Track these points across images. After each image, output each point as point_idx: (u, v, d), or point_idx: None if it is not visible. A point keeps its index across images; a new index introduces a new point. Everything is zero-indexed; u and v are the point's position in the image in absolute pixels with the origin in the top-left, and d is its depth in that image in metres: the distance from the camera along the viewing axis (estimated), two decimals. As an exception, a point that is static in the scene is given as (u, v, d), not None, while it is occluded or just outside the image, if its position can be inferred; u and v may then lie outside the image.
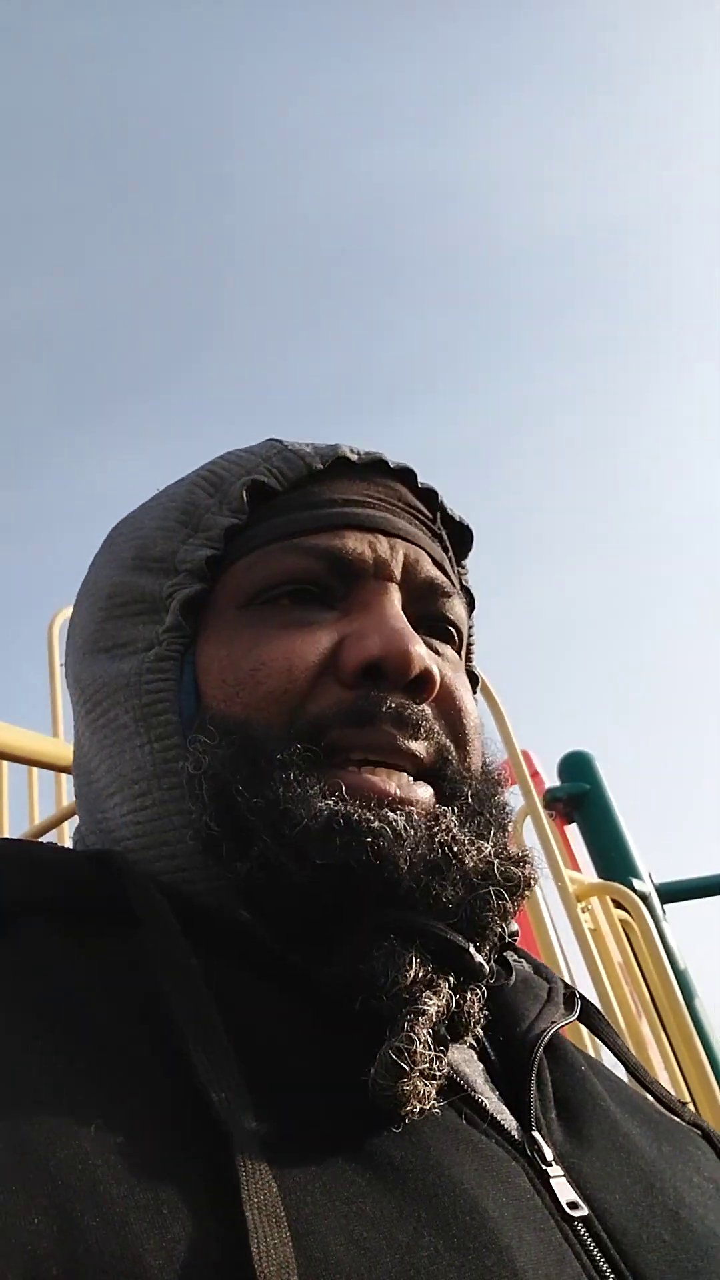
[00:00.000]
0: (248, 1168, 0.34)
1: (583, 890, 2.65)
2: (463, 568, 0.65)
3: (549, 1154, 0.44)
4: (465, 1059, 0.49)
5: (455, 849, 0.47)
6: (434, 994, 0.43)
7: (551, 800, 3.96)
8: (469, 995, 0.46)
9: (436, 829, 0.47)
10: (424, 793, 0.51)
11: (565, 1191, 0.42)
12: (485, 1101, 0.46)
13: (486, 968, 0.46)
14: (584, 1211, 0.41)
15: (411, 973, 0.43)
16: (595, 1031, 0.61)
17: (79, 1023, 0.40)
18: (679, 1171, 0.49)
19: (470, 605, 0.65)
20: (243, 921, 0.47)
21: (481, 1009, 0.46)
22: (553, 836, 2.38)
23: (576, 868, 3.64)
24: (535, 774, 3.95)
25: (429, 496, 0.62)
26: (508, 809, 0.56)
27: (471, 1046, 0.51)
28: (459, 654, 0.61)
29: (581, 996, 0.60)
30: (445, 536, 0.63)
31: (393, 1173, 0.38)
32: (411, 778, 0.51)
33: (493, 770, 0.57)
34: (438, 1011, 0.43)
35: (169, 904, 0.46)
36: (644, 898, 3.30)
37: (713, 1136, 0.56)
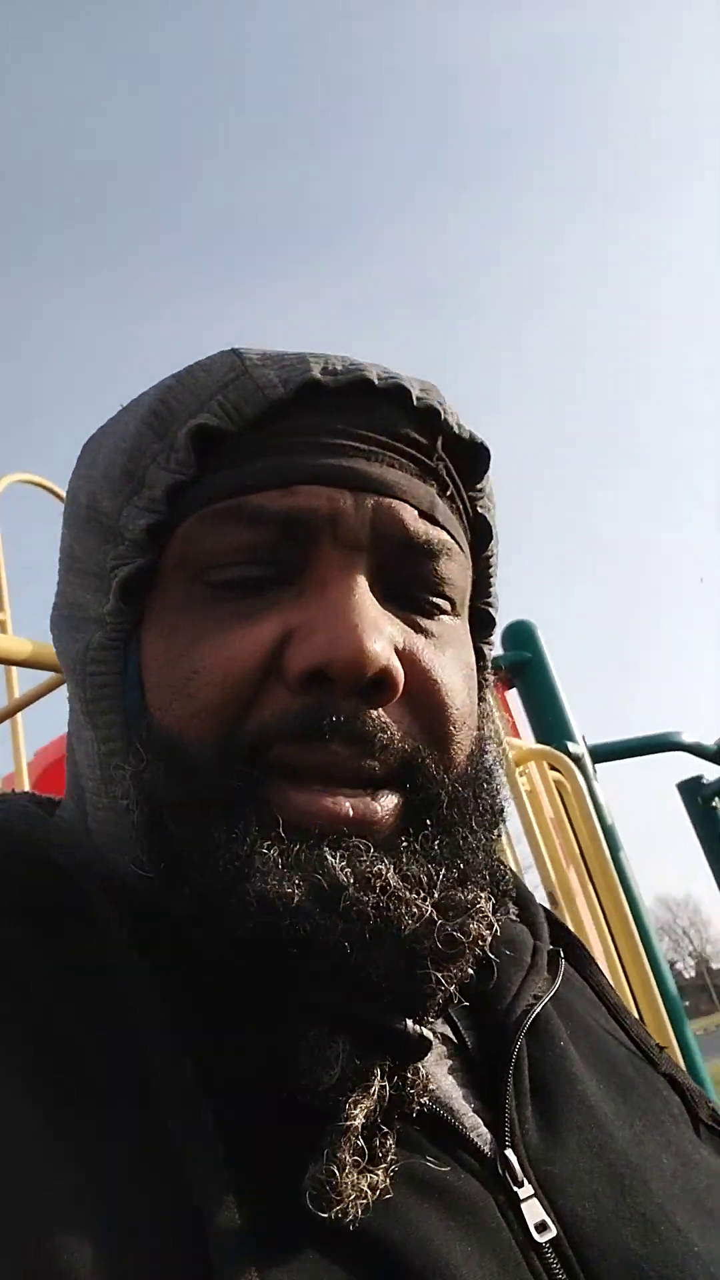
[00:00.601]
0: (219, 1243, 0.34)
1: (521, 755, 2.76)
2: (477, 492, 0.54)
3: (519, 1173, 0.43)
4: (436, 1056, 0.48)
5: (390, 911, 0.40)
6: (364, 1093, 0.39)
7: (494, 667, 3.92)
8: (409, 1074, 0.42)
9: (373, 892, 0.40)
10: (386, 805, 0.45)
11: (534, 1213, 0.42)
12: (458, 1121, 0.45)
13: (428, 1040, 0.42)
14: (552, 1233, 0.41)
15: (337, 1071, 0.39)
16: (583, 976, 0.60)
17: (46, 1040, 0.39)
18: (649, 1155, 0.48)
19: (486, 536, 0.55)
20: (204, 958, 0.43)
21: (422, 1083, 0.43)
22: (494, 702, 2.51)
23: (516, 734, 3.72)
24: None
25: (428, 416, 0.50)
26: (499, 805, 0.50)
27: (440, 1035, 0.49)
28: (454, 613, 0.51)
29: (568, 947, 0.58)
30: (448, 466, 0.51)
31: (361, 1237, 0.37)
32: (369, 793, 0.45)
33: (483, 763, 0.50)
34: (366, 1115, 0.39)
35: (132, 914, 0.44)
36: (577, 760, 3.53)
37: (682, 1087, 0.55)
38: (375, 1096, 0.40)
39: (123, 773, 0.46)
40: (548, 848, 2.62)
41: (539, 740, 3.64)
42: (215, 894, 0.41)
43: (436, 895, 0.42)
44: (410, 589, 0.49)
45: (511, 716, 3.98)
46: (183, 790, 0.43)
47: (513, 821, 2.50)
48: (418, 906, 0.41)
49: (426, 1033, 0.42)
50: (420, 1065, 0.43)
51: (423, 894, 0.42)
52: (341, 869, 0.40)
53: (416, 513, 0.48)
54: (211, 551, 0.46)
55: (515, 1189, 0.42)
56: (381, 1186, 0.38)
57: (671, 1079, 0.55)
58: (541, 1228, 0.41)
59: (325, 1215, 0.36)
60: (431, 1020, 0.44)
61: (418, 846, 0.44)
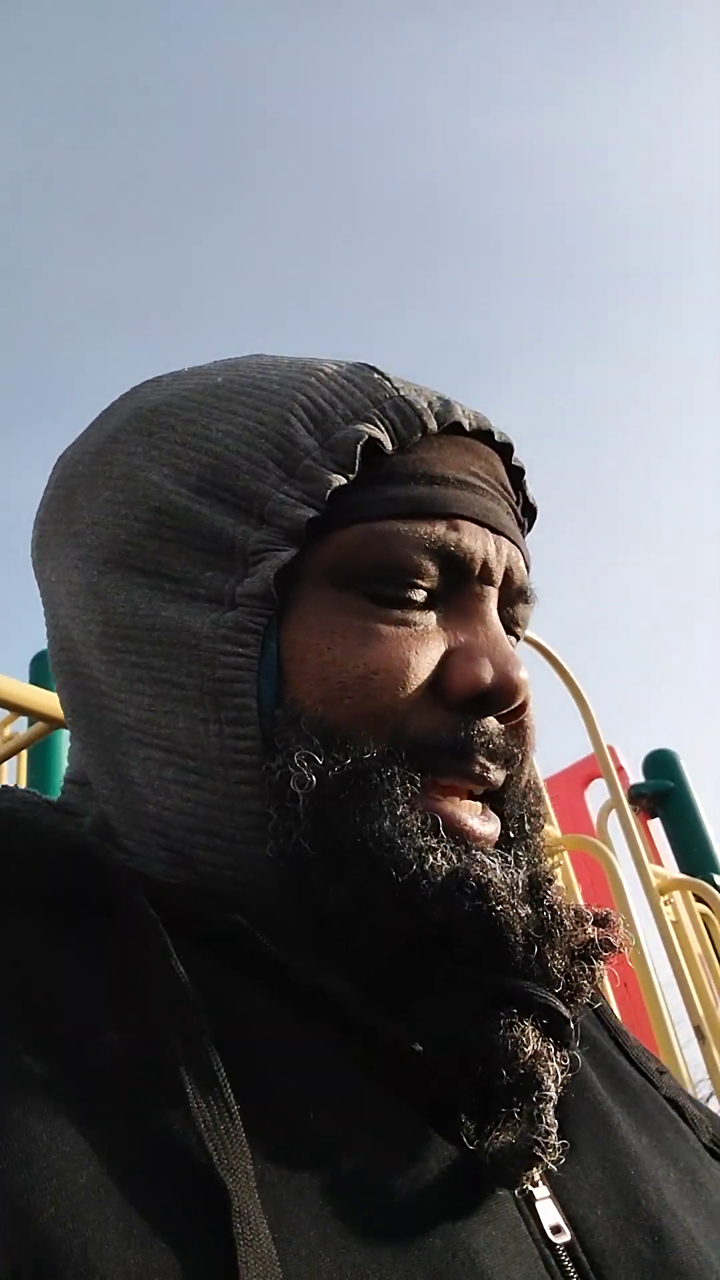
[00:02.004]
0: (246, 1233, 0.32)
1: (665, 884, 2.85)
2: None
3: (537, 1174, 0.41)
4: None
5: (559, 914, 0.45)
6: (546, 1071, 0.41)
7: (636, 795, 4.12)
8: (566, 1062, 0.43)
9: (543, 892, 0.45)
10: (493, 828, 0.49)
11: (550, 1215, 0.41)
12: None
13: (576, 1036, 0.45)
14: (567, 1237, 0.40)
15: (530, 1048, 0.41)
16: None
17: (65, 1048, 0.38)
18: (660, 1167, 0.47)
19: None
20: (262, 945, 0.42)
21: (570, 1076, 0.44)
22: (636, 830, 2.52)
23: (659, 862, 3.60)
24: (620, 769, 3.66)
25: (517, 474, 0.56)
26: (543, 826, 0.54)
27: None
28: None
29: None
30: (524, 523, 0.56)
31: (387, 1214, 0.37)
32: (482, 804, 0.49)
33: (537, 783, 0.54)
34: (556, 1089, 0.41)
35: (159, 910, 0.41)
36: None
37: (683, 1109, 0.54)
38: (554, 1072, 0.42)
39: (270, 764, 0.45)
40: (694, 980, 2.69)
41: (684, 872, 3.30)
42: (405, 881, 0.43)
43: (580, 906, 0.47)
44: (510, 624, 0.54)
45: (654, 845, 3.54)
46: (360, 786, 0.44)
47: (658, 953, 2.44)
48: (577, 913, 0.46)
49: (573, 1026, 0.44)
50: (570, 1051, 0.44)
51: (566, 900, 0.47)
52: (505, 872, 0.44)
53: (524, 563, 0.53)
54: (378, 561, 0.47)
55: (531, 1189, 0.41)
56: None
57: (673, 1102, 0.53)
58: (556, 1230, 0.40)
59: (510, 1179, 0.39)
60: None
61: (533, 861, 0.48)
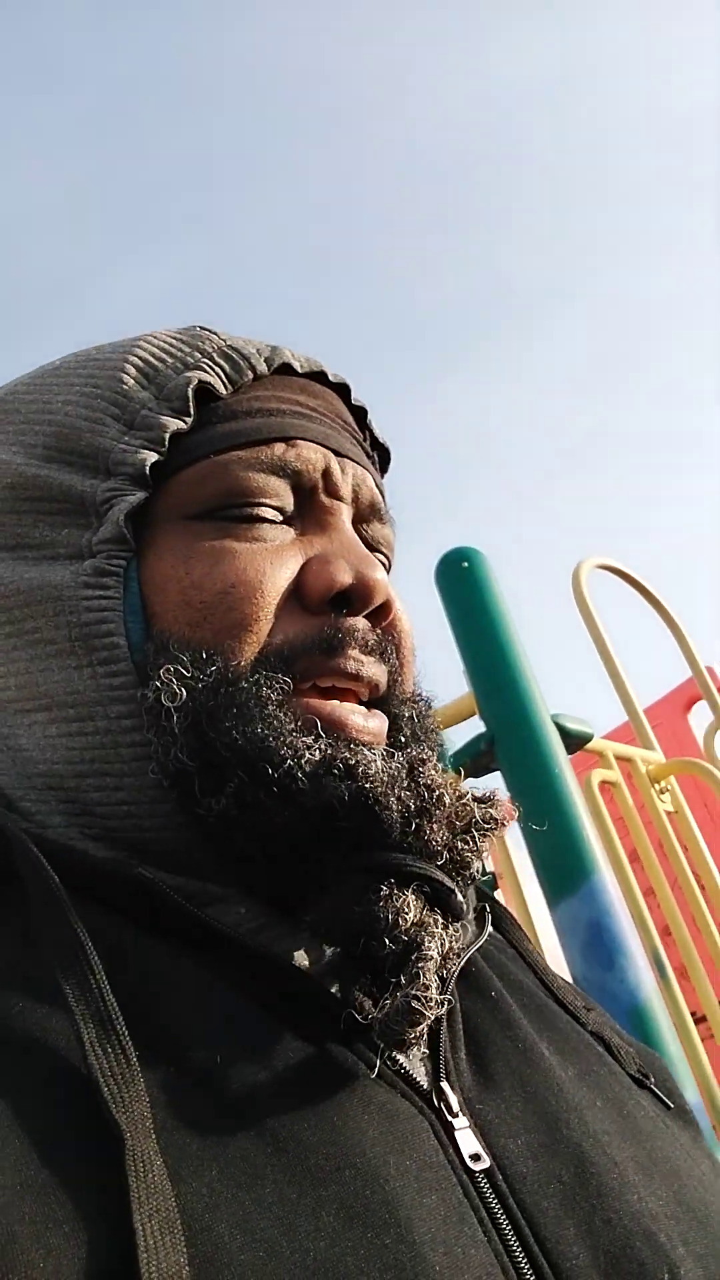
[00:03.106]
0: (138, 1168, 0.32)
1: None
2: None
3: (455, 1104, 0.42)
4: None
5: (437, 792, 0.46)
6: (431, 937, 0.43)
7: None
8: (451, 934, 0.45)
9: (418, 774, 0.47)
10: (378, 724, 0.51)
11: (469, 1144, 0.41)
12: (397, 1053, 0.44)
13: (465, 907, 0.47)
14: (486, 1164, 0.40)
15: (410, 915, 0.42)
16: (508, 939, 0.60)
17: None
18: (584, 1097, 0.47)
19: None
20: (144, 880, 0.43)
21: (460, 949, 0.46)
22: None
23: None
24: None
25: (360, 414, 0.60)
26: (437, 733, 0.56)
27: None
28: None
29: (492, 904, 0.59)
30: (375, 457, 0.61)
31: (295, 1148, 0.37)
32: (366, 707, 0.51)
33: (423, 693, 0.56)
34: (438, 952, 0.42)
35: (60, 867, 0.42)
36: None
37: (608, 1042, 0.54)
38: (438, 938, 0.43)
39: (142, 690, 0.47)
40: None
41: None
42: (280, 775, 0.44)
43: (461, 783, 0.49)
44: (369, 542, 0.57)
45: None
46: (230, 694, 0.46)
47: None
48: (457, 789, 0.48)
49: (462, 899, 0.46)
50: (458, 925, 0.46)
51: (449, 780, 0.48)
52: (380, 758, 0.46)
53: (373, 483, 0.57)
54: (223, 489, 0.50)
55: (450, 1119, 0.42)
56: (424, 1038, 0.42)
57: (598, 1036, 0.54)
58: (475, 1159, 0.40)
59: (398, 1038, 0.40)
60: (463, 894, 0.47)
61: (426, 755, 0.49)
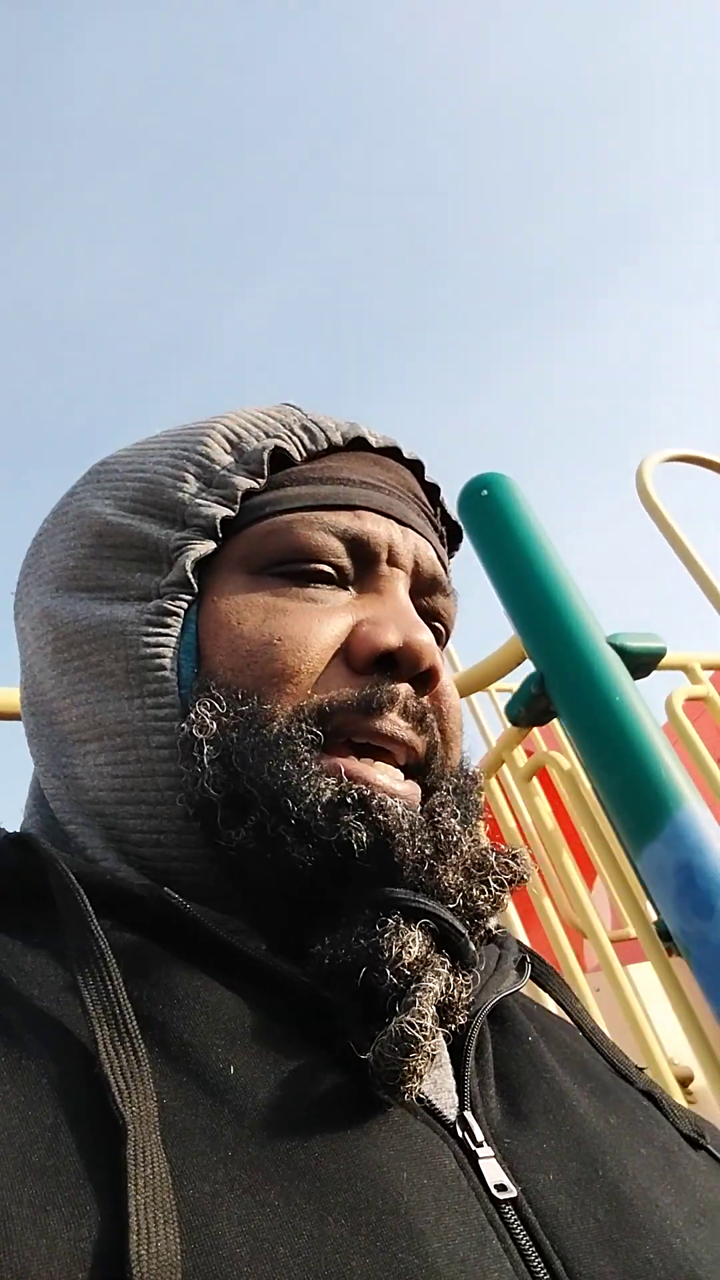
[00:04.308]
0: (139, 1157, 0.33)
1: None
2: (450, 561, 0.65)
3: (479, 1134, 0.42)
4: None
5: (454, 837, 0.47)
6: (434, 975, 0.42)
7: None
8: (460, 979, 0.45)
9: (437, 819, 0.48)
10: (408, 788, 0.51)
11: (494, 1174, 0.40)
12: None
13: (476, 955, 0.47)
14: (512, 1193, 0.39)
15: (415, 950, 0.42)
16: (549, 992, 0.58)
17: None
18: (626, 1143, 0.46)
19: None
20: (173, 902, 0.44)
21: (467, 996, 0.45)
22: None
23: None
24: None
25: (432, 491, 0.63)
26: (480, 809, 0.56)
27: None
28: (443, 650, 0.62)
29: (534, 958, 0.58)
30: (443, 533, 0.64)
31: (305, 1157, 0.36)
32: (401, 772, 0.52)
33: (470, 769, 0.57)
34: (440, 991, 0.42)
35: (90, 887, 0.43)
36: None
37: (661, 1100, 0.53)
38: (443, 978, 0.43)
39: (181, 722, 0.49)
40: None
41: None
42: (298, 811, 0.45)
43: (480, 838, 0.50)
44: (426, 613, 0.59)
45: None
46: (261, 735, 0.47)
47: None
48: (475, 838, 0.50)
49: (474, 946, 0.46)
50: (467, 976, 0.45)
51: (471, 832, 0.50)
52: (400, 804, 0.47)
53: (436, 556, 0.59)
54: (284, 548, 0.53)
55: (475, 1148, 0.41)
56: (421, 1081, 0.40)
57: (649, 1095, 0.53)
58: (501, 1188, 0.39)
59: (393, 1069, 0.39)
60: (475, 943, 0.47)
61: (451, 810, 0.50)
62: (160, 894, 0.44)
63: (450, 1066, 0.47)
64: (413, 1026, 0.40)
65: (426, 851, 0.46)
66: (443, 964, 0.44)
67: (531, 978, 0.56)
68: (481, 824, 0.55)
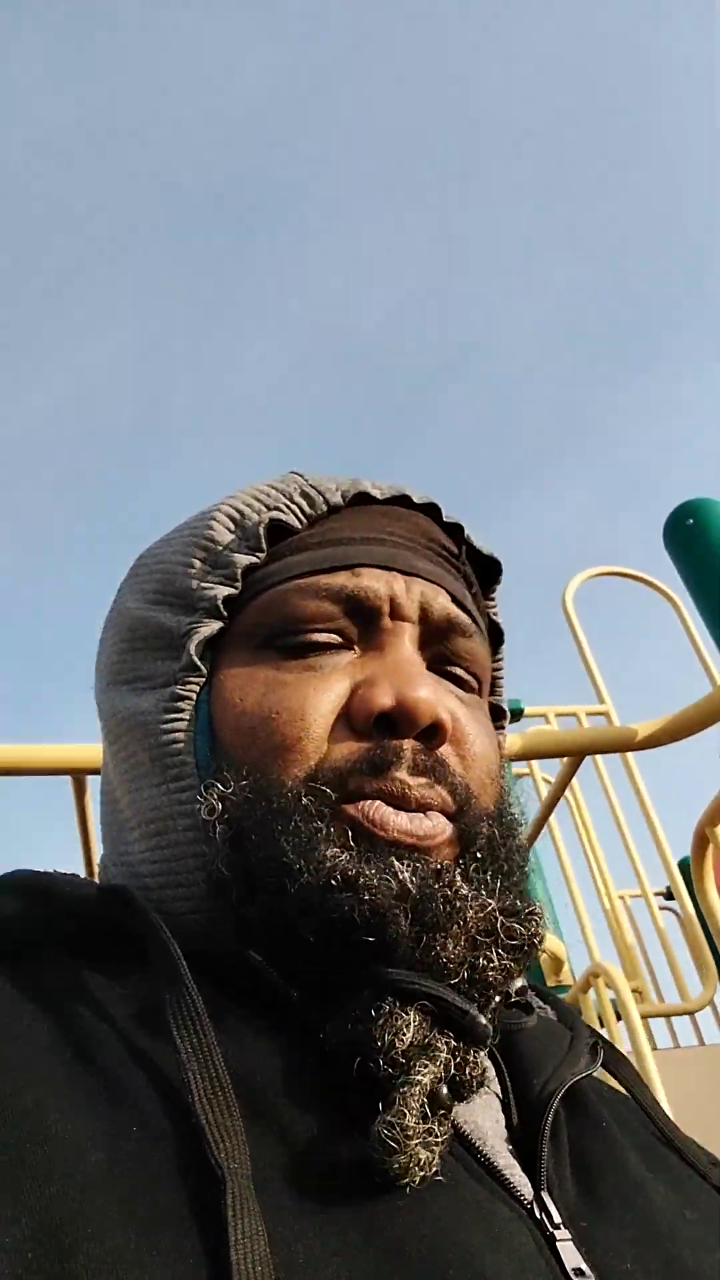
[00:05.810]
0: (238, 1209, 0.34)
1: None
2: (491, 600, 0.64)
3: (557, 1217, 0.41)
4: (485, 1109, 0.48)
5: (458, 904, 0.46)
6: (430, 1060, 0.42)
7: None
8: (470, 1056, 0.44)
9: (440, 884, 0.46)
10: (441, 825, 0.50)
11: (572, 1257, 0.40)
12: (495, 1159, 0.43)
13: (489, 1028, 0.45)
14: (590, 1278, 0.39)
15: (408, 1037, 0.42)
16: (621, 1081, 0.57)
17: (87, 1054, 0.41)
18: (703, 1238, 0.45)
19: (498, 639, 0.65)
20: (253, 964, 0.45)
21: (481, 1071, 0.44)
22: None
23: None
24: None
25: (454, 531, 0.62)
26: (524, 854, 0.54)
27: (496, 1095, 0.49)
28: (479, 693, 0.59)
29: (606, 1044, 0.58)
30: (470, 571, 0.62)
31: (388, 1228, 0.37)
32: (427, 814, 0.50)
33: (511, 814, 0.56)
34: (433, 1080, 0.41)
35: (180, 943, 0.44)
36: None
37: None
38: (441, 1065, 0.42)
39: (197, 805, 0.50)
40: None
41: None
42: (296, 891, 0.45)
43: (497, 899, 0.48)
44: (446, 662, 0.57)
45: None
46: (264, 810, 0.48)
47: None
48: (481, 903, 0.46)
49: (484, 1020, 0.44)
50: (480, 1052, 0.44)
51: (485, 894, 0.47)
52: (407, 869, 0.45)
53: (451, 598, 0.57)
54: (282, 618, 0.53)
55: (552, 1230, 0.40)
56: (435, 1165, 0.39)
57: None
58: (579, 1273, 0.39)
59: (384, 1167, 0.38)
60: (490, 1015, 0.46)
61: (473, 867, 0.49)
62: (245, 956, 0.46)
63: (501, 1132, 0.47)
64: (391, 1127, 0.39)
65: (424, 922, 0.44)
66: (445, 1044, 0.43)
67: (603, 1064, 0.56)
68: (524, 870, 0.53)
